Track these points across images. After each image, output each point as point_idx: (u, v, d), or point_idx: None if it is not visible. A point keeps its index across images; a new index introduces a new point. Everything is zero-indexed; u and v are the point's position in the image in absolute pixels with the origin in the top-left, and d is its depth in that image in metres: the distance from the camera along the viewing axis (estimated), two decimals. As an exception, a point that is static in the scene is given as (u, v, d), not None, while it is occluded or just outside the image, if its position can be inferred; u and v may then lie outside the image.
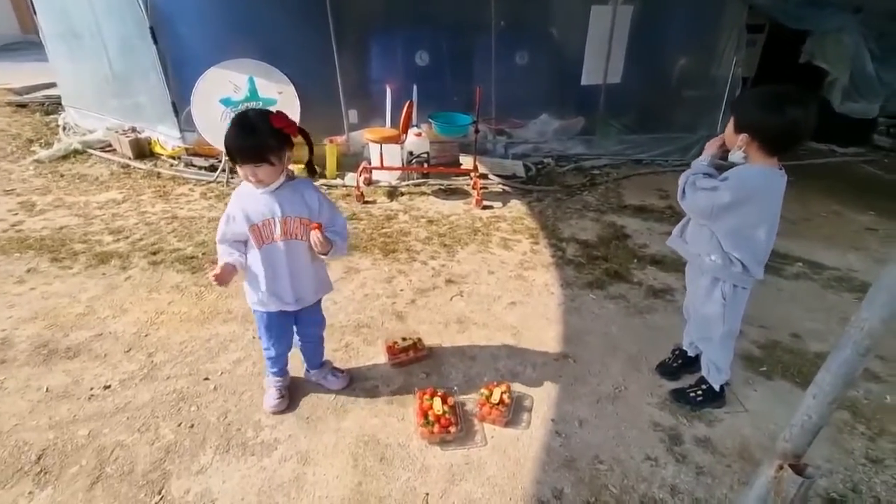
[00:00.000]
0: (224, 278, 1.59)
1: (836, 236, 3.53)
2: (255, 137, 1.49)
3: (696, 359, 2.05)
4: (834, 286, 2.88)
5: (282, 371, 1.97)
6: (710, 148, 1.71)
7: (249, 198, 1.62)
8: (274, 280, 1.69)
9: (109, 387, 2.03)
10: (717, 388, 1.91)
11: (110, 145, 5.10)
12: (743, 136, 1.55)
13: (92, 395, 1.98)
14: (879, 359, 2.23)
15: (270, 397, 1.92)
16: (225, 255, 1.65)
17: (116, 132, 4.98)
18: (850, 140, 5.63)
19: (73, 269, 2.92)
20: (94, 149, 5.07)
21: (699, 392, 1.94)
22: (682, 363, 2.11)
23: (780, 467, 1.04)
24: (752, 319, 2.38)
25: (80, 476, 1.63)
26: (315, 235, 1.59)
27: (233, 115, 1.56)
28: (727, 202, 1.56)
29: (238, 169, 1.58)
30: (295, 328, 1.93)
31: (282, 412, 1.90)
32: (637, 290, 2.78)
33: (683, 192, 1.69)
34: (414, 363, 2.17)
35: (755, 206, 1.56)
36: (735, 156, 1.60)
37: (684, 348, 2.10)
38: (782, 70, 5.48)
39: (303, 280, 1.75)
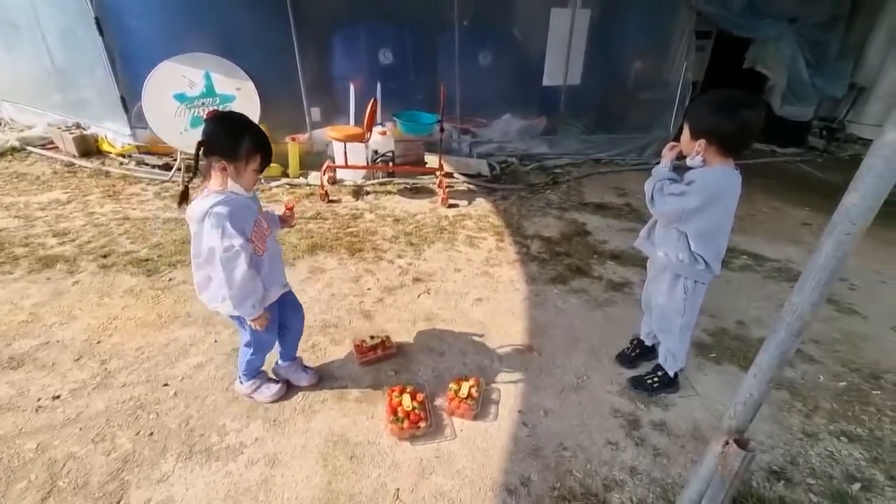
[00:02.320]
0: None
1: (777, 231, 3.79)
2: None
3: (653, 348, 2.17)
4: (774, 276, 3.10)
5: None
6: (669, 155, 1.76)
7: (240, 208, 1.52)
8: (276, 267, 1.75)
9: (59, 397, 1.92)
10: (671, 374, 2.02)
11: (52, 142, 4.80)
12: (700, 142, 1.62)
13: (40, 407, 1.87)
14: (814, 342, 2.42)
15: (268, 389, 1.93)
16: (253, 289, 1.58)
17: (59, 128, 4.68)
18: (788, 141, 6.06)
19: (13, 274, 2.73)
20: (35, 146, 4.75)
21: (655, 379, 2.05)
22: (639, 352, 2.22)
23: (726, 443, 1.13)
24: (702, 309, 2.49)
25: (30, 491, 1.54)
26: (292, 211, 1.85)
27: (212, 117, 1.50)
28: (696, 205, 1.63)
29: (258, 176, 1.59)
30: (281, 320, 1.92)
31: (281, 399, 1.94)
32: (598, 284, 2.90)
33: (652, 198, 1.74)
34: (383, 361, 2.18)
35: (721, 206, 1.65)
36: (694, 160, 1.67)
37: (642, 338, 2.21)
38: (728, 75, 5.83)
39: (280, 263, 1.82)
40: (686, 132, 1.68)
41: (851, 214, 0.85)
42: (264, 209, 1.75)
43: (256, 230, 1.59)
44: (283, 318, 1.89)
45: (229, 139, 1.47)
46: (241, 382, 1.93)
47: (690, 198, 1.64)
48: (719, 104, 1.60)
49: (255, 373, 1.93)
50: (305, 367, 2.06)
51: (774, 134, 5.95)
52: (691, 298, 1.83)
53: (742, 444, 1.11)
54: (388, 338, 2.25)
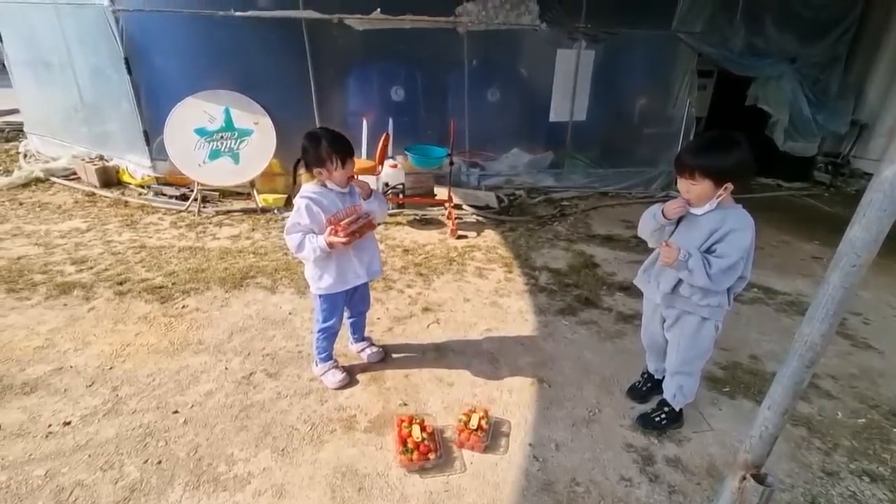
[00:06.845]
0: None
1: (786, 264, 3.78)
2: None
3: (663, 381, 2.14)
4: (786, 310, 3.07)
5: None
6: (679, 208, 1.66)
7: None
8: (357, 258, 2.10)
9: (69, 423, 1.93)
10: (677, 409, 1.99)
11: (75, 173, 4.97)
12: (728, 185, 1.59)
13: (50, 433, 1.88)
14: (831, 378, 2.38)
15: (333, 375, 2.18)
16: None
17: (82, 160, 4.87)
18: (794, 175, 6.11)
19: (31, 300, 2.79)
20: (58, 177, 4.93)
21: (663, 416, 2.01)
22: (650, 386, 2.19)
23: (743, 478, 1.11)
24: (715, 342, 2.50)
25: (36, 520, 1.54)
26: None
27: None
28: (748, 255, 1.62)
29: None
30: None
31: (346, 386, 2.18)
32: (607, 315, 2.89)
33: (713, 289, 1.66)
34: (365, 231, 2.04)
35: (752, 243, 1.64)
36: (704, 207, 1.64)
37: (651, 372, 2.18)
38: (731, 111, 5.96)
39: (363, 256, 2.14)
40: (704, 184, 1.59)
41: (856, 247, 0.88)
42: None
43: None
44: (351, 306, 2.25)
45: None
46: (315, 365, 2.24)
47: (738, 261, 1.59)
48: (730, 143, 1.58)
49: (325, 357, 2.21)
50: (373, 345, 2.40)
51: (780, 168, 6.01)
52: (714, 338, 1.82)
53: (759, 478, 1.10)
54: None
